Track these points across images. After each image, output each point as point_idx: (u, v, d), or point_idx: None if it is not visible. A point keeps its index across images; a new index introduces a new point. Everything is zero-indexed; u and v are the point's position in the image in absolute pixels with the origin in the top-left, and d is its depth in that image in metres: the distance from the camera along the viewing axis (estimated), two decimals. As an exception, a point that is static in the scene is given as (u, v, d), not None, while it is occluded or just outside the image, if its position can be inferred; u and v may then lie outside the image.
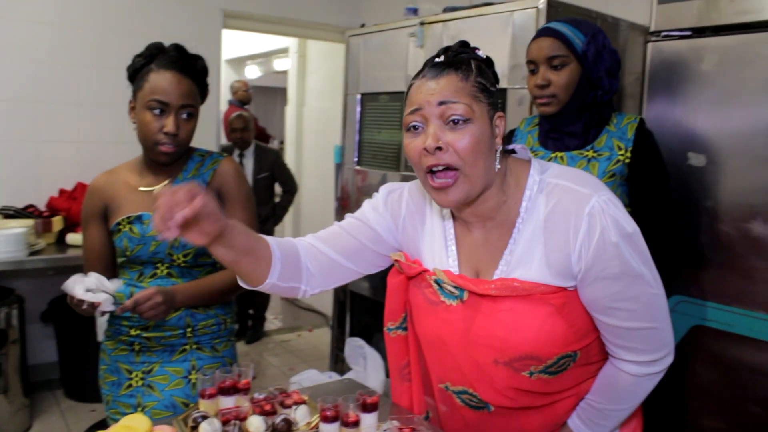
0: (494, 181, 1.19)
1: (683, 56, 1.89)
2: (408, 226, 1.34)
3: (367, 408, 1.28)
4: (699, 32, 1.87)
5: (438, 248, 1.29)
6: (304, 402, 1.39)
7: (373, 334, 3.31)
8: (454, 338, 1.22)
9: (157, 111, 1.61)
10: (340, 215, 3.49)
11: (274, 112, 10.22)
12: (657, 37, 1.96)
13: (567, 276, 1.14)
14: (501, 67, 1.88)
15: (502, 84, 2.41)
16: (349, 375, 2.99)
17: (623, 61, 2.62)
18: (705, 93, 1.90)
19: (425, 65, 1.20)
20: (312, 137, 5.88)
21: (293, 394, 1.42)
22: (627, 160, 1.79)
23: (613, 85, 1.81)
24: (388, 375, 3.10)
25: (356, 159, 3.33)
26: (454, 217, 1.29)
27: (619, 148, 1.80)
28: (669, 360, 1.22)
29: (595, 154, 1.81)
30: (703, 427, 1.92)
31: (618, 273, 1.12)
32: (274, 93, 10.02)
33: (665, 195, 1.82)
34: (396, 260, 1.33)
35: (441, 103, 1.12)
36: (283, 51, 6.35)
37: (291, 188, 5.07)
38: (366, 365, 3.06)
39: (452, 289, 1.23)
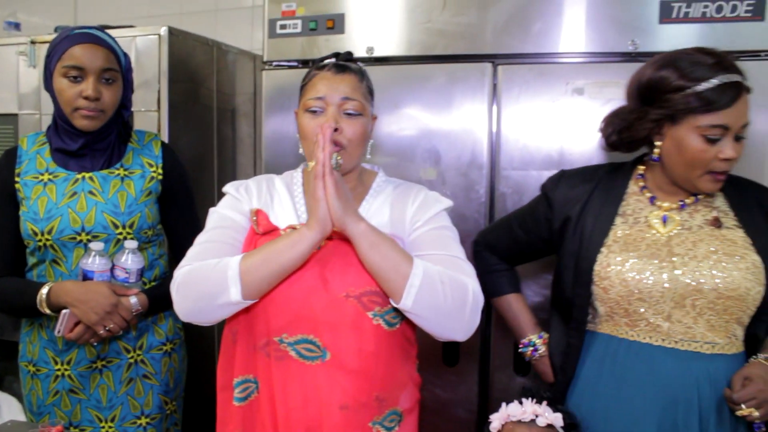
0: (359, 166, 1.50)
1: (293, 82, 2.19)
2: (261, 204, 1.48)
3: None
4: (304, 63, 2.22)
5: (289, 216, 1.45)
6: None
7: (3, 378, 3.02)
8: (307, 278, 1.33)
9: None
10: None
11: None
12: (270, 66, 2.26)
13: (402, 230, 1.43)
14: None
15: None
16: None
17: (235, 84, 2.94)
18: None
19: (322, 63, 1.47)
20: None
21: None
22: (160, 177, 1.83)
23: (131, 102, 1.85)
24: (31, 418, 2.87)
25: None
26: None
27: (150, 165, 1.82)
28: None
29: (126, 173, 1.78)
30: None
31: (434, 215, 1.44)
32: None
33: (195, 210, 1.94)
34: (256, 213, 1.41)
35: (344, 98, 1.39)
36: None
37: None
38: (1, 413, 2.79)
39: None
